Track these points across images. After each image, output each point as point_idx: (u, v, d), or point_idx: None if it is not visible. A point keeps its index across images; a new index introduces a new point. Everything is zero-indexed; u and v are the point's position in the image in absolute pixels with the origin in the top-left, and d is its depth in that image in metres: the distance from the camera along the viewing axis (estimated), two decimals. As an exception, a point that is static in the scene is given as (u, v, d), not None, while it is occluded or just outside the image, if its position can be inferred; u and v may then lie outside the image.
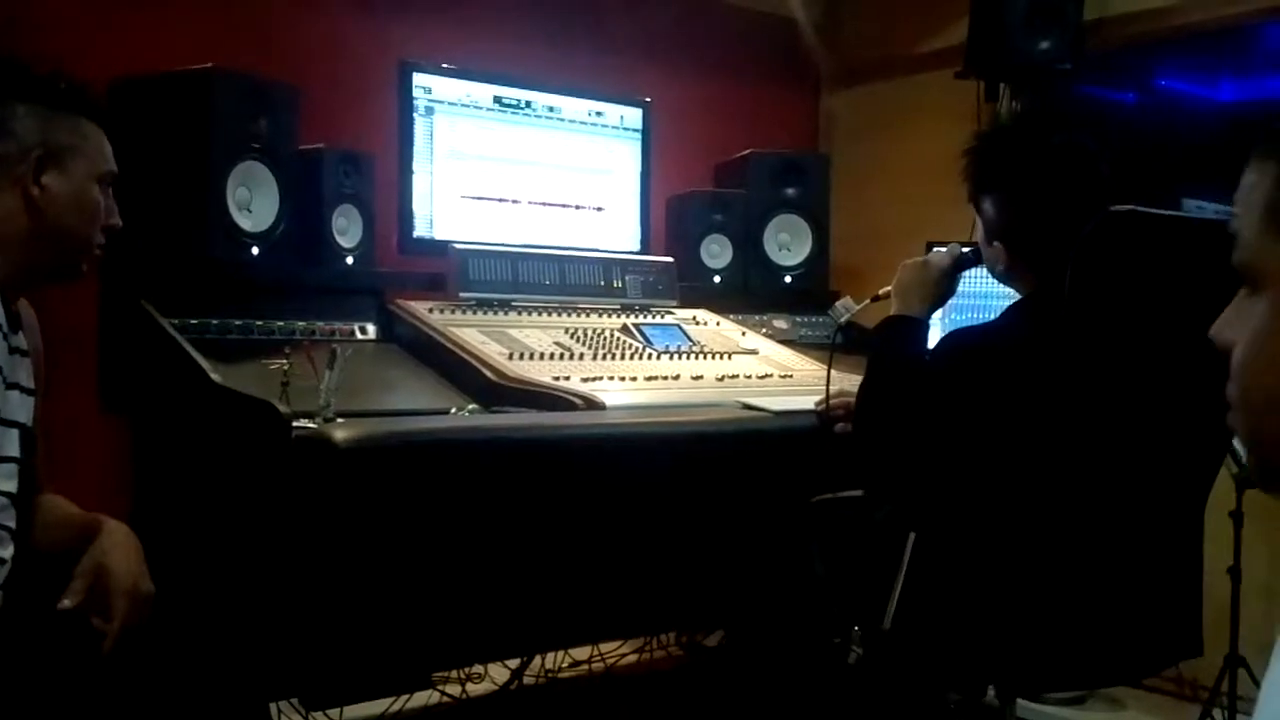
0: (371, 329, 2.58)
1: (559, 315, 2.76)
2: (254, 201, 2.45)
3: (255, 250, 2.44)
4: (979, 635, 1.93)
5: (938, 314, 2.20)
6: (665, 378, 2.52)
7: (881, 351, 2.10)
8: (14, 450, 1.63)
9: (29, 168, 1.61)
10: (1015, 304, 2.00)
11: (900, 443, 1.96)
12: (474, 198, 2.89)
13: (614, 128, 3.16)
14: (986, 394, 1.86)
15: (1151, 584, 2.01)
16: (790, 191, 3.41)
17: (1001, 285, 2.10)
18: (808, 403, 2.34)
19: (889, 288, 2.17)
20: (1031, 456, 1.85)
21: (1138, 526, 1.95)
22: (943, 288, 2.14)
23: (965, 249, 2.14)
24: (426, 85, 2.80)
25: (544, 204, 3.02)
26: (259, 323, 2.38)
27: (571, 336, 2.64)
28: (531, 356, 2.45)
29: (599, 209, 3.13)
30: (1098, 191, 1.91)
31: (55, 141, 1.64)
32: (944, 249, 2.19)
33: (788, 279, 3.40)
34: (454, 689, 2.85)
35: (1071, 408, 1.84)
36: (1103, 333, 1.85)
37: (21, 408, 1.65)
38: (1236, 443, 2.66)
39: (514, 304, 2.73)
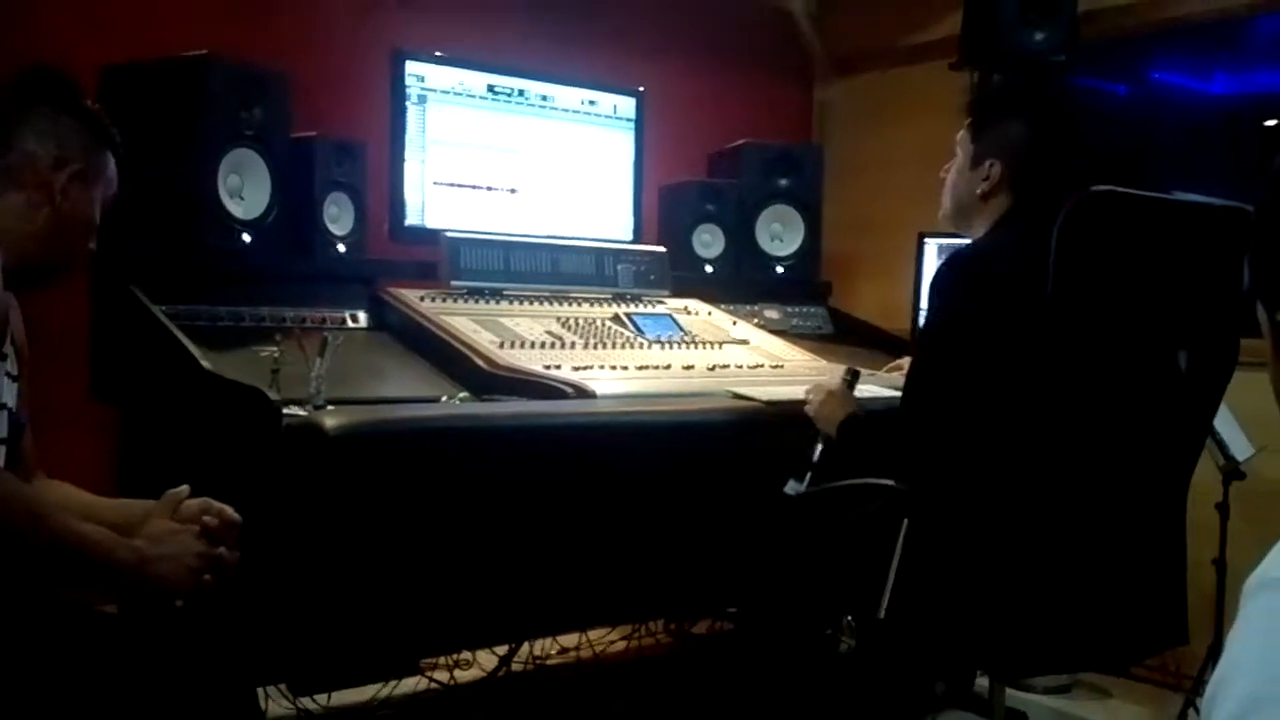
0: (362, 317, 2.58)
1: (550, 304, 2.76)
2: (245, 189, 2.45)
3: (247, 238, 2.44)
4: (971, 619, 1.95)
5: None
6: (656, 367, 2.53)
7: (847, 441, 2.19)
8: (3, 432, 1.66)
9: (65, 177, 1.65)
10: (999, 221, 2.14)
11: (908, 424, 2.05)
12: (466, 186, 2.89)
13: (607, 117, 3.16)
14: (992, 309, 1.97)
15: (1137, 570, 2.03)
16: (783, 182, 3.42)
17: None
18: (798, 392, 2.34)
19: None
20: (1023, 418, 1.88)
21: (1123, 513, 1.96)
22: (851, 399, 2.26)
23: (846, 373, 2.32)
24: (419, 74, 2.79)
25: (536, 193, 3.02)
26: (250, 310, 2.38)
27: (563, 325, 2.64)
28: (522, 345, 2.45)
29: (591, 198, 3.13)
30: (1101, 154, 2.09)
31: (91, 164, 1.70)
32: (825, 378, 2.37)
33: (780, 269, 3.40)
34: (442, 676, 2.86)
35: (1059, 382, 1.86)
36: (1086, 313, 1.86)
37: (7, 391, 1.67)
38: (1222, 435, 2.69)
39: (505, 293, 2.73)
